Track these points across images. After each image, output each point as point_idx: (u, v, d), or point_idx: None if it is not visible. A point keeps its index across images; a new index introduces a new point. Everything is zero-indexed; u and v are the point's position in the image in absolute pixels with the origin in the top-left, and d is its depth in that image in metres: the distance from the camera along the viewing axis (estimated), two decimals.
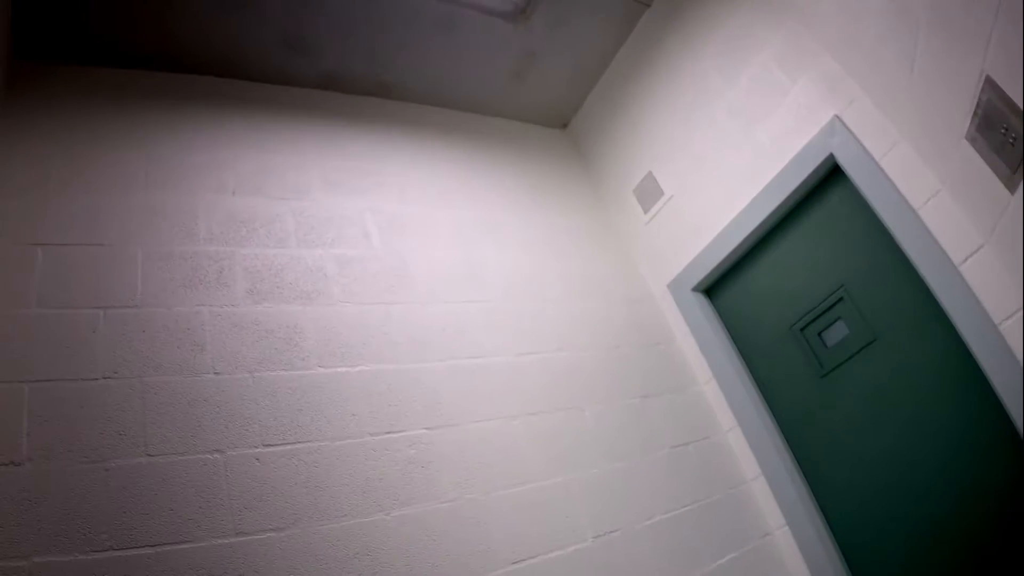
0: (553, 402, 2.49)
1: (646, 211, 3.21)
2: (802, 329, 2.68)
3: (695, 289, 2.99)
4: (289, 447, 1.92)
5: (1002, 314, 1.98)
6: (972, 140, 1.79)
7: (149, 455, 1.74)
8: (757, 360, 2.84)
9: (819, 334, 2.63)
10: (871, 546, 2.44)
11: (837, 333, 2.57)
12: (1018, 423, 1.97)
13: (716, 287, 2.98)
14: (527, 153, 3.42)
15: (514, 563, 2.03)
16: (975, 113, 1.73)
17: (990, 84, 1.64)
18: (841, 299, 2.53)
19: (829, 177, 2.49)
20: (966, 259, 2.04)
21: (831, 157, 2.42)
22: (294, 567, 1.74)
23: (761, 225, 2.70)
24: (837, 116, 2.38)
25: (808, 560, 2.50)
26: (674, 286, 3.07)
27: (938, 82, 1.85)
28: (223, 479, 1.78)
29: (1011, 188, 1.69)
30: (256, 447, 1.88)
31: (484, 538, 2.04)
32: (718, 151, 2.85)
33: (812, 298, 2.64)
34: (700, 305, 2.97)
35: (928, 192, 2.13)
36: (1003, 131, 1.65)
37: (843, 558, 2.49)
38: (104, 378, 1.82)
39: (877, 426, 2.45)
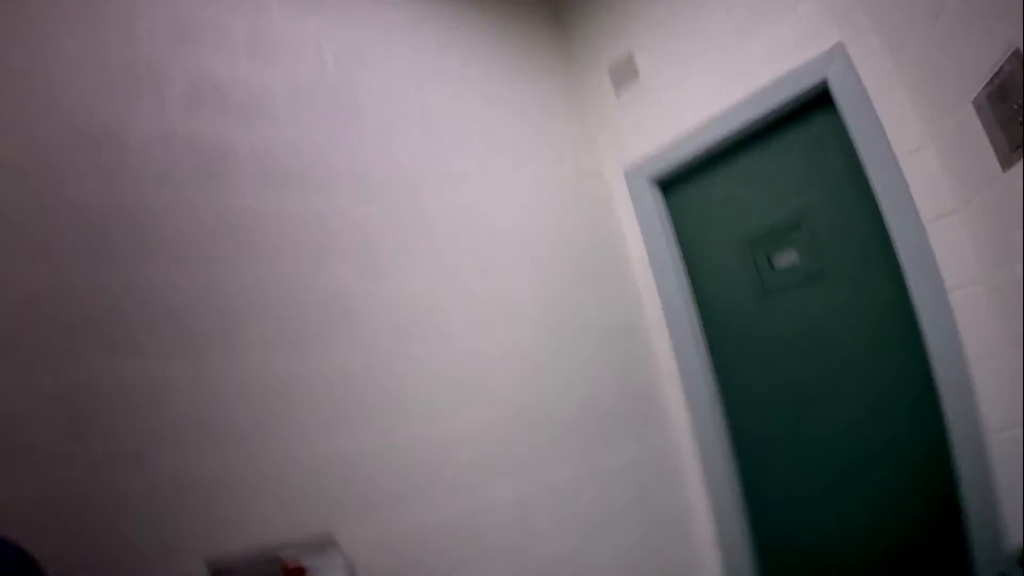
0: (488, 260, 2.49)
1: (618, 92, 3.07)
2: (753, 246, 2.73)
3: (652, 180, 3.01)
4: (204, 272, 1.80)
5: (955, 282, 2.09)
6: (978, 107, 1.83)
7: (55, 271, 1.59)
8: (699, 264, 2.92)
9: (769, 256, 2.68)
10: (764, 458, 2.70)
11: (787, 259, 2.63)
12: (943, 391, 2.14)
13: (674, 183, 2.98)
14: (501, 3, 3.16)
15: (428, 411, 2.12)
16: (991, 81, 1.78)
17: (1017, 57, 1.68)
18: (799, 226, 2.58)
19: (818, 103, 2.46)
20: (935, 219, 2.12)
21: (824, 83, 2.38)
22: (197, 400, 1.69)
23: (736, 133, 2.68)
24: (841, 43, 2.32)
25: (704, 460, 2.76)
26: (631, 173, 3.05)
27: (959, 39, 1.84)
28: (130, 297, 1.66)
29: (1005, 165, 1.78)
30: (168, 266, 1.74)
31: (398, 390, 2.06)
32: (707, 48, 2.72)
33: (771, 218, 2.67)
34: (654, 197, 2.98)
35: (915, 144, 2.15)
36: (1016, 107, 1.72)
37: (739, 467, 2.74)
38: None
39: (803, 358, 2.59)
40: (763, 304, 2.72)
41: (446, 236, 2.41)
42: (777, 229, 2.66)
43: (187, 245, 1.80)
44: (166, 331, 1.69)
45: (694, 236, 2.95)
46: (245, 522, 1.66)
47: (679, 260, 2.95)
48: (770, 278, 2.70)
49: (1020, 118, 1.69)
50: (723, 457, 2.73)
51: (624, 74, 3.06)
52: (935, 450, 2.21)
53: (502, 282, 2.50)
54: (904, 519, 2.36)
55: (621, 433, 2.66)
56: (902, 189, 2.20)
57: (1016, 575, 1.80)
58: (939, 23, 1.89)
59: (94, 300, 1.60)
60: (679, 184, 2.98)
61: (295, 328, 1.92)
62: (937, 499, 2.23)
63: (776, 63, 2.53)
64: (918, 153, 2.16)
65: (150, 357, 1.65)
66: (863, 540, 2.46)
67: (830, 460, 2.54)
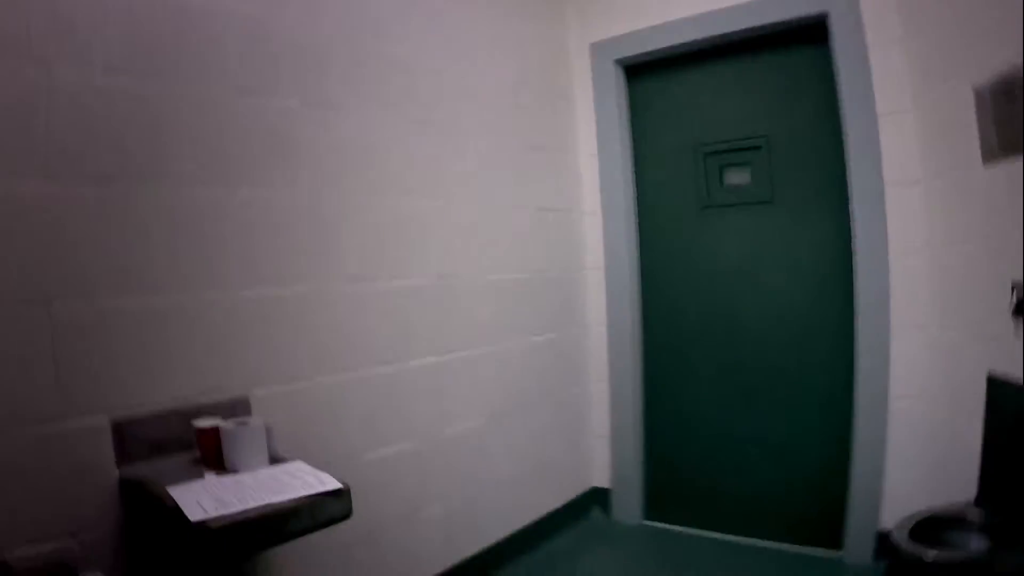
0: (437, 114, 2.28)
1: None
2: (707, 155, 2.68)
3: (618, 62, 2.82)
4: (132, 79, 1.49)
5: (899, 249, 2.19)
6: (978, 94, 1.82)
7: None
8: (648, 159, 2.86)
9: (721, 168, 2.66)
10: (672, 372, 2.82)
11: (739, 178, 2.63)
12: (862, 351, 2.28)
13: (641, 71, 2.82)
14: None
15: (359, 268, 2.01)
16: (1003, 76, 1.75)
17: None
18: (759, 149, 2.56)
19: (811, 32, 2.37)
20: (896, 184, 2.18)
21: (824, 15, 2.28)
22: (114, 234, 1.45)
23: (719, 38, 2.55)
24: None
25: (613, 360, 2.88)
26: (599, 48, 2.84)
27: (983, 19, 1.82)
28: (42, 114, 1.35)
29: (987, 160, 1.83)
30: (95, 70, 1.43)
31: (329, 242, 1.92)
32: None
33: (733, 133, 2.62)
34: (617, 80, 2.82)
35: (897, 107, 2.15)
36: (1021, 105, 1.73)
37: (645, 374, 2.87)
38: None
39: (734, 280, 2.65)
40: (704, 217, 2.73)
41: (400, 80, 2.15)
42: (736, 147, 2.63)
43: (115, 54, 1.46)
44: (80, 151, 1.40)
45: (649, 132, 2.86)
46: (157, 379, 1.52)
47: (628, 151, 2.87)
48: (717, 193, 2.70)
49: (1021, 120, 1.71)
50: (632, 361, 2.86)
51: None
52: (839, 407, 2.40)
53: (447, 140, 2.31)
54: (793, 468, 2.55)
55: (541, 319, 2.71)
56: (873, 145, 2.22)
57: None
58: None
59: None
60: (647, 73, 2.83)
61: (229, 160, 1.68)
62: (829, 459, 2.43)
63: None
64: (899, 116, 2.17)
65: (59, 181, 1.37)
66: (747, 476, 2.66)
67: (736, 389, 2.68)
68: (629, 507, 2.88)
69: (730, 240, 2.68)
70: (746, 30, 2.49)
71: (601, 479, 2.95)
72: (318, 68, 1.89)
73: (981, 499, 1.77)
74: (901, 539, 1.58)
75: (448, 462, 2.25)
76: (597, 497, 2.96)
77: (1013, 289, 1.70)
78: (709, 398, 2.75)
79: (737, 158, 2.64)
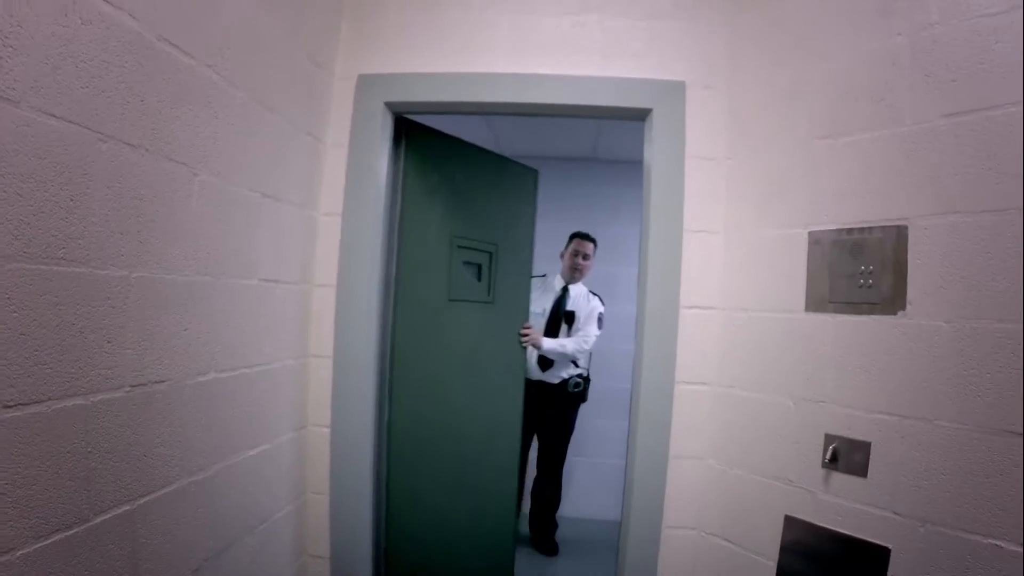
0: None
1: None
2: (460, 247, 2.67)
3: (390, 105, 2.22)
4: None
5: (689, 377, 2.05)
6: (815, 241, 1.73)
7: None
8: (408, 229, 2.40)
9: (464, 262, 2.70)
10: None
11: (470, 275, 2.75)
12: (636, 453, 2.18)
13: (417, 130, 2.32)
14: None
15: None
16: (852, 231, 1.67)
17: (900, 233, 1.62)
18: (491, 254, 2.80)
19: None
20: (692, 308, 2.07)
21: (649, 110, 2.09)
22: None
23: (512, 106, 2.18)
24: (684, 83, 2.08)
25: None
26: (368, 83, 2.20)
27: (836, 164, 1.75)
28: None
29: (811, 308, 1.74)
30: None
31: None
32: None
33: (477, 231, 2.74)
34: (383, 124, 2.21)
35: (704, 225, 2.07)
36: (864, 270, 1.67)
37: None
38: None
39: (463, 372, 2.65)
40: (450, 308, 2.65)
41: None
42: (477, 246, 2.75)
43: None
44: None
45: (412, 194, 2.36)
46: None
47: (382, 215, 2.27)
48: (459, 282, 2.69)
49: (863, 282, 1.66)
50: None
51: None
52: None
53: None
54: None
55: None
56: (673, 264, 2.07)
57: None
58: (826, 143, 1.75)
59: None
60: (422, 135, 2.32)
61: None
62: None
63: (609, 60, 2.14)
64: (703, 235, 2.07)
65: None
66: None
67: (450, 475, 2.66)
68: None
69: (463, 333, 2.70)
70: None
71: None
72: None
73: None
74: None
75: None
76: None
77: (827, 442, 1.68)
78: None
79: (475, 257, 2.79)
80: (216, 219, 1.56)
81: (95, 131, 1.14)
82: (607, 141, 3.93)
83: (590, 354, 3.71)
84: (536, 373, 3.58)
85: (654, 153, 2.08)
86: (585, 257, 3.68)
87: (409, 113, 2.31)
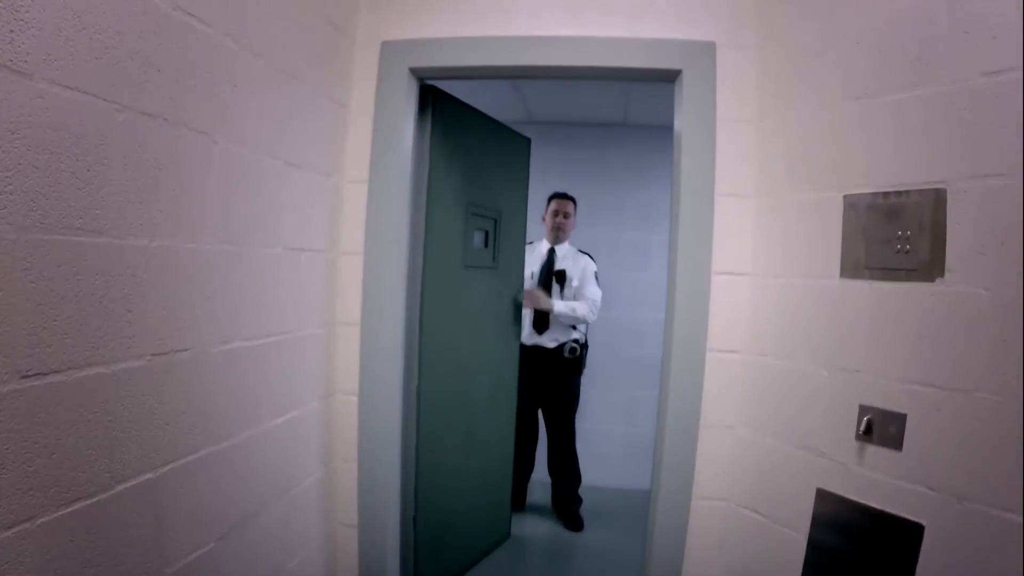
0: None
1: None
2: (473, 214, 2.73)
3: (414, 71, 2.19)
4: None
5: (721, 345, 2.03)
6: (851, 205, 1.67)
7: None
8: (433, 196, 2.41)
9: (474, 229, 2.78)
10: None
11: (478, 241, 2.82)
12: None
13: (444, 99, 2.29)
14: None
15: None
16: (888, 195, 1.62)
17: (939, 197, 1.54)
18: (496, 221, 2.88)
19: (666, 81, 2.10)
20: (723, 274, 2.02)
21: (679, 72, 2.03)
22: None
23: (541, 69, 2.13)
24: (715, 44, 2.01)
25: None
26: (391, 49, 2.17)
27: (874, 129, 1.69)
28: None
29: (846, 274, 1.68)
30: None
31: None
32: None
33: (486, 198, 2.82)
34: (408, 91, 2.19)
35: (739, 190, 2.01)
36: (901, 235, 1.61)
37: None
38: None
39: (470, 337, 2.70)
40: (465, 274, 2.73)
41: None
42: (483, 212, 2.80)
43: None
44: None
45: (440, 170, 2.30)
46: None
47: (408, 182, 2.26)
48: (469, 249, 2.75)
49: (899, 248, 1.59)
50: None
51: None
52: None
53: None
54: None
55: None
56: (706, 228, 2.01)
57: None
58: (860, 103, 1.66)
59: None
60: (449, 104, 2.28)
61: None
62: None
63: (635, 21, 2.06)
64: (739, 200, 2.00)
65: None
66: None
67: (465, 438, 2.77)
68: None
69: (474, 297, 2.79)
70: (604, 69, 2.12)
71: None
72: None
73: None
74: None
75: None
76: None
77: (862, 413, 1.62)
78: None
79: (482, 224, 2.82)
80: (238, 187, 1.57)
81: (112, 102, 1.14)
82: (637, 106, 3.84)
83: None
84: (531, 337, 3.52)
85: (684, 116, 2.01)
86: (566, 216, 3.61)
87: (433, 79, 2.28)
